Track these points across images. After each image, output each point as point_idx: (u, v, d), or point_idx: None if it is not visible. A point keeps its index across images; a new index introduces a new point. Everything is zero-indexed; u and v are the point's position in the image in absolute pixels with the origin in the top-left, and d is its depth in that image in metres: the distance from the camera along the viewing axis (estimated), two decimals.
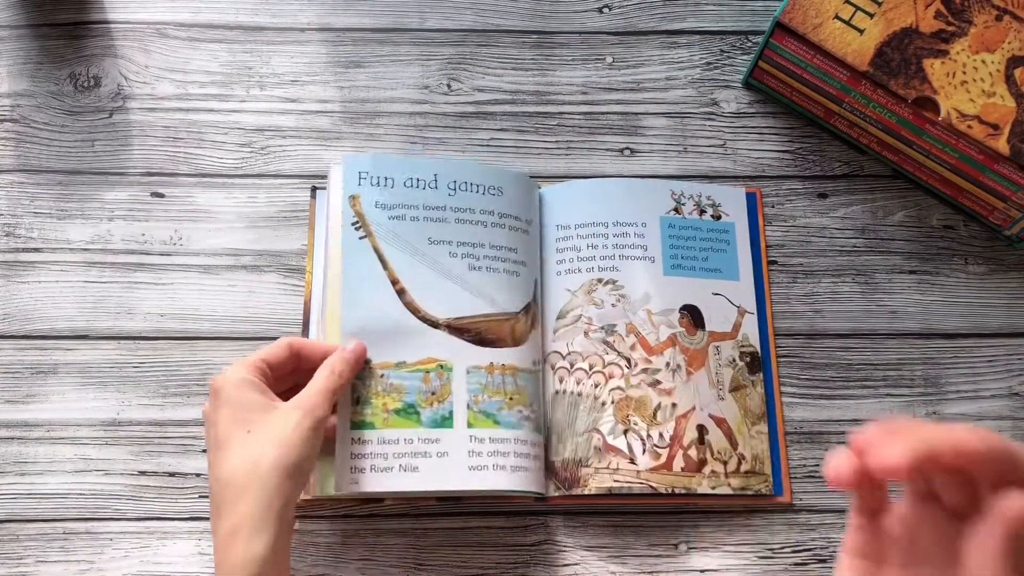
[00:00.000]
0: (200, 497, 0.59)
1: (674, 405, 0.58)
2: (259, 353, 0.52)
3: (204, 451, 0.59)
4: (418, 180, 0.59)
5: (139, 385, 0.61)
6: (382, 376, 0.55)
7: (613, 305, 0.60)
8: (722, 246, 0.62)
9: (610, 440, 0.57)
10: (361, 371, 0.55)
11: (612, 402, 0.58)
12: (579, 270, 0.61)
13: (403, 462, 0.54)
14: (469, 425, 0.55)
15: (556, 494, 0.58)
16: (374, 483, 0.54)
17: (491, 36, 0.70)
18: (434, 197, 0.59)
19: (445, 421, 0.55)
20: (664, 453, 0.57)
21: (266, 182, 0.66)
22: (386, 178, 0.59)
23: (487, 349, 0.57)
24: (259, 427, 0.48)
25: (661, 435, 0.57)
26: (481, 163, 0.66)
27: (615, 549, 0.59)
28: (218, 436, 0.49)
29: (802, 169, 0.67)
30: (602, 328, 0.60)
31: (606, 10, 0.71)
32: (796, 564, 0.59)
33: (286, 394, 0.52)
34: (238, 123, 0.67)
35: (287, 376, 0.54)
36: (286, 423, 0.49)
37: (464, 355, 0.57)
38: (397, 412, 0.55)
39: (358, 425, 0.54)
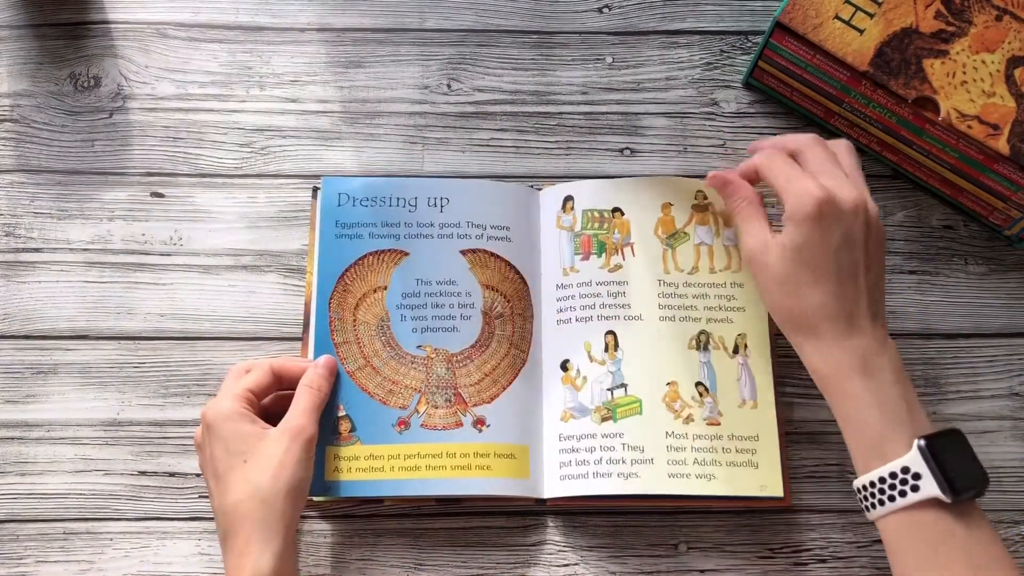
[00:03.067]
0: (200, 497, 0.59)
1: None
2: (244, 383, 0.55)
3: (199, 474, 0.60)
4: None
5: (139, 385, 0.61)
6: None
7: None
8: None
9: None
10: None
11: None
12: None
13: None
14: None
15: (555, 495, 0.58)
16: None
17: (491, 36, 0.70)
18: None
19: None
20: None
21: (266, 182, 0.66)
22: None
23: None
24: (254, 456, 0.52)
25: None
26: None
27: (615, 549, 0.59)
28: (216, 470, 0.52)
29: None
30: None
31: (606, 10, 0.71)
32: (796, 564, 0.59)
33: (267, 409, 0.56)
34: (238, 123, 0.67)
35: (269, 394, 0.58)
36: (278, 448, 0.52)
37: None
38: None
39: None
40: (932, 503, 0.47)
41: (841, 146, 0.55)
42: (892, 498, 0.48)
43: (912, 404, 0.50)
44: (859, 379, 0.50)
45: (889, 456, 0.49)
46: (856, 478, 0.51)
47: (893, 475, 0.48)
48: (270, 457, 0.52)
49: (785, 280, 0.52)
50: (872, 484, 0.49)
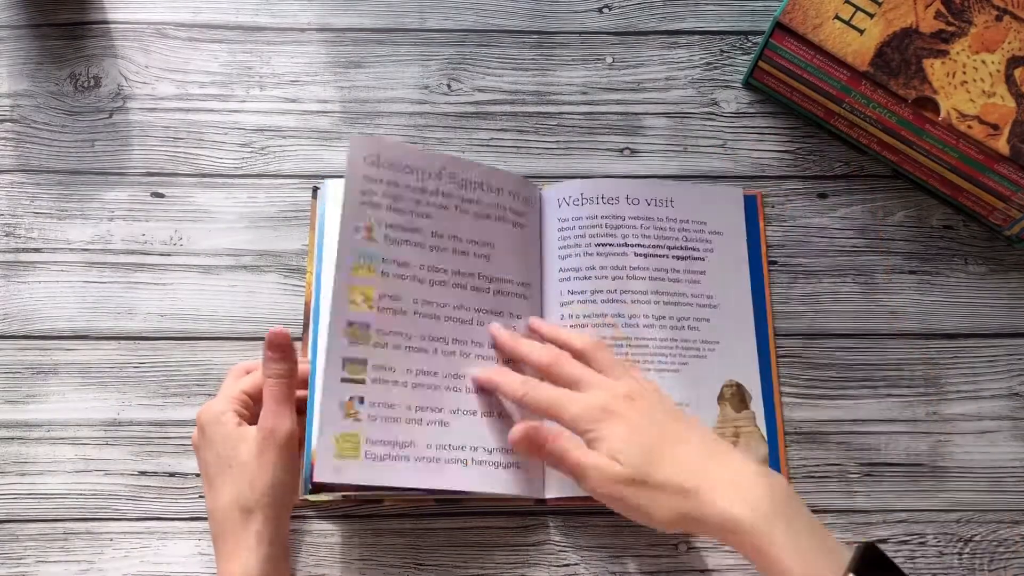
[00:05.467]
0: (200, 497, 0.59)
1: None
2: (241, 385, 0.55)
3: (199, 474, 0.59)
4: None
5: (139, 385, 0.61)
6: None
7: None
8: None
9: None
10: None
11: None
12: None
13: None
14: None
15: (555, 495, 0.58)
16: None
17: (491, 36, 0.70)
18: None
19: None
20: None
21: (266, 182, 0.66)
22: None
23: None
24: (237, 460, 0.52)
25: None
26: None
27: (615, 549, 0.59)
28: (208, 473, 0.53)
29: (802, 169, 0.67)
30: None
31: (606, 10, 0.71)
32: None
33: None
34: (238, 123, 0.67)
35: None
36: (253, 454, 0.52)
37: None
38: None
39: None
40: None
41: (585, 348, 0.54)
42: None
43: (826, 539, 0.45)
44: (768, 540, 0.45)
45: None
46: None
47: None
48: (247, 463, 0.51)
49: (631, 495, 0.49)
50: None
